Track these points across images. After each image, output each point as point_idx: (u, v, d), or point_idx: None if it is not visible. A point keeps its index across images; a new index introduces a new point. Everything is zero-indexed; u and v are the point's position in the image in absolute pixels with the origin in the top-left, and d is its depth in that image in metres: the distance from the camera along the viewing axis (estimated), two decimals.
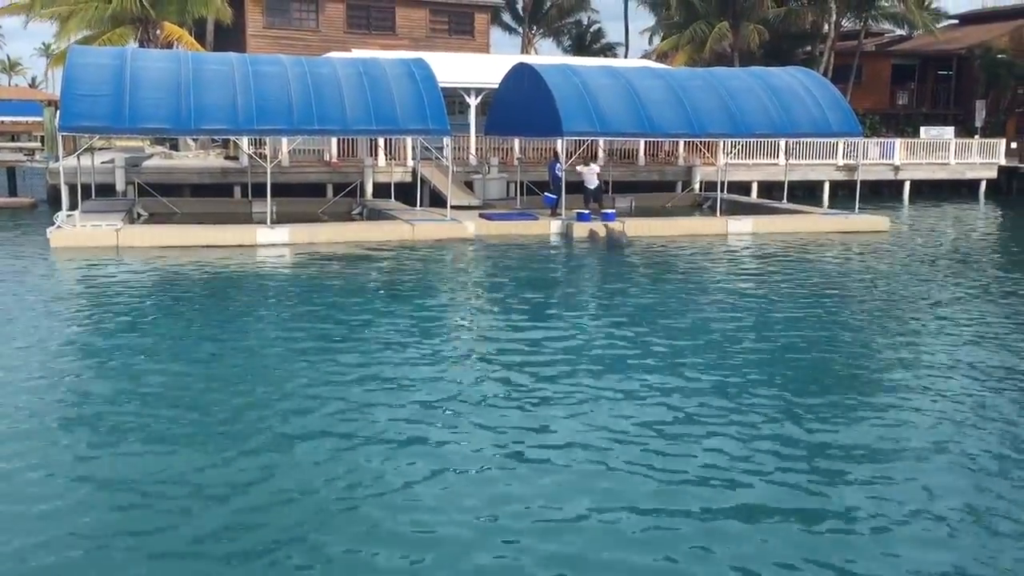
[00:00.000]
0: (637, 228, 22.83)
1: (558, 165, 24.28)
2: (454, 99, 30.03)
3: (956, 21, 50.34)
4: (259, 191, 23.17)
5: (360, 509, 6.95)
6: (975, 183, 36.03)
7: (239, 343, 11.85)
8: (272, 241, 20.05)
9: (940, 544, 6.56)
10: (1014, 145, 37.37)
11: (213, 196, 26.90)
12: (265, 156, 24.41)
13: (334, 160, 29.33)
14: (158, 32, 34.55)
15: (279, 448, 8.12)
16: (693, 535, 6.59)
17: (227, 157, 31.98)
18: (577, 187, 24.64)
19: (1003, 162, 36.19)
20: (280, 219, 21.90)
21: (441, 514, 6.84)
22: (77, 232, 19.42)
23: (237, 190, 27.62)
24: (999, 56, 43.34)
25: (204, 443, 8.21)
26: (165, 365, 10.75)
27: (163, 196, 25.48)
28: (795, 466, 7.89)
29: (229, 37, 37.14)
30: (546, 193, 24.73)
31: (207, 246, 19.42)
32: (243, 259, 18.33)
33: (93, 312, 13.69)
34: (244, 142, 26.40)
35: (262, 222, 21.28)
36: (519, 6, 50.47)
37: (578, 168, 24.50)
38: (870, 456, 8.13)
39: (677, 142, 32.52)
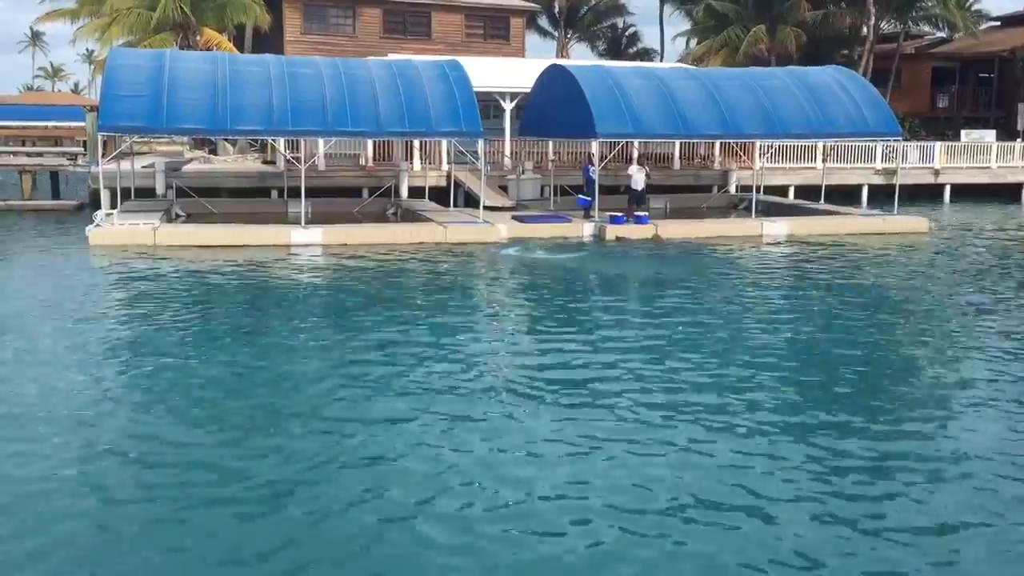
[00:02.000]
0: (672, 230, 22.67)
1: (592, 168, 24.21)
2: (489, 103, 30.10)
3: (998, 23, 49.52)
4: (295, 193, 23.37)
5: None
6: (1017, 187, 35.37)
7: (267, 342, 11.94)
8: (306, 241, 20.21)
9: None
10: None
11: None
12: (301, 159, 24.63)
13: (370, 164, 29.51)
14: (198, 38, 35.11)
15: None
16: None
17: (265, 161, 32.31)
18: (610, 189, 24.53)
19: None
20: (315, 219, 22.08)
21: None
22: (115, 230, 19.73)
23: (274, 194, 27.89)
24: None
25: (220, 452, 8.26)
26: (185, 364, 10.86)
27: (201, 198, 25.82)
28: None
29: (268, 43, 37.58)
30: (580, 195, 24.64)
31: (242, 245, 19.62)
32: (276, 259, 18.48)
33: (123, 308, 13.88)
34: (281, 144, 26.65)
35: (297, 222, 21.45)
36: (555, 10, 50.52)
37: (629, 170, 24.35)
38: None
39: (713, 146, 32.32)
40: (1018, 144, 35.97)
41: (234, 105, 20.27)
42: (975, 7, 44.97)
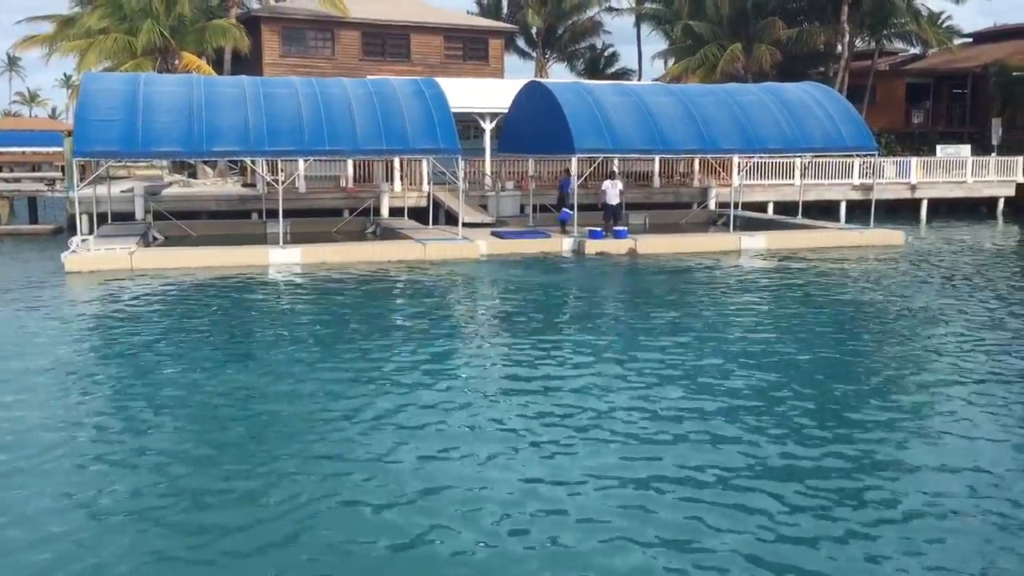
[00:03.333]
0: (650, 245, 22.76)
1: (570, 183, 24.30)
2: (469, 124, 30.22)
3: (970, 39, 50.17)
4: (275, 215, 23.31)
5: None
6: (993, 201, 35.70)
7: (246, 365, 11.86)
8: (284, 261, 20.15)
9: None
10: None
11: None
12: (279, 180, 24.59)
13: (350, 186, 29.49)
14: (177, 62, 35.06)
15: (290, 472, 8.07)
16: None
17: (244, 184, 32.24)
18: (589, 206, 24.58)
19: (1021, 179, 35.84)
20: (295, 239, 22.03)
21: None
22: (91, 256, 19.58)
23: (254, 216, 27.79)
24: (1014, 73, 43.10)
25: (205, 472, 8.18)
26: (158, 390, 10.77)
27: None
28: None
29: (247, 66, 37.58)
30: (564, 208, 24.59)
31: (219, 267, 19.53)
32: (253, 279, 18.39)
33: (99, 334, 13.77)
34: (262, 167, 26.62)
35: (276, 243, 21.39)
36: (533, 31, 50.83)
37: (602, 186, 24.43)
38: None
39: (692, 163, 32.52)
40: (992, 159, 36.33)
41: (210, 127, 20.24)
42: (947, 24, 45.56)
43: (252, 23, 36.81)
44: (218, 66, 37.19)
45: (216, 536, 6.43)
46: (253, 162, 24.94)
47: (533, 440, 8.47)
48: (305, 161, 24.87)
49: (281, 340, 12.88)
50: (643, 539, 6.42)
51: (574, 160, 23.79)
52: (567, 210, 24.21)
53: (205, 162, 33.60)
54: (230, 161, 33.50)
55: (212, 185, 32.52)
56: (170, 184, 31.82)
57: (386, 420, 9.04)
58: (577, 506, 6.97)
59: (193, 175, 35.73)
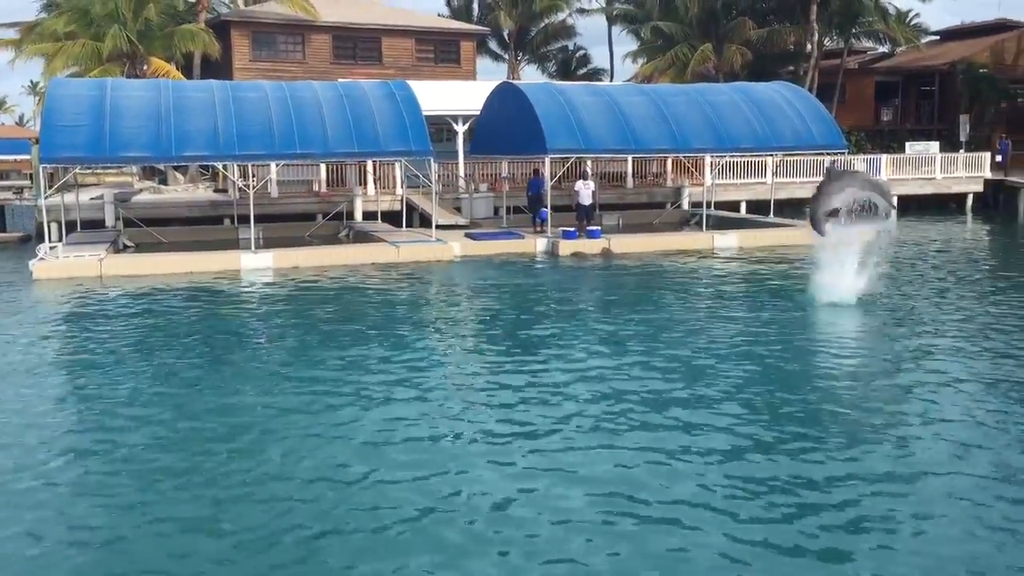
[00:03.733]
0: (624, 244, 22.81)
1: (541, 183, 24.32)
2: (442, 126, 30.16)
3: (937, 37, 50.75)
4: (247, 220, 23.14)
5: None
6: (962, 197, 36.09)
7: (217, 372, 11.75)
8: (256, 266, 20.00)
9: None
10: (999, 159, 37.49)
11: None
12: (250, 185, 24.42)
13: (323, 190, 29.34)
14: (145, 67, 34.75)
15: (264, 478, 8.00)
16: None
17: (216, 190, 31.99)
18: (563, 207, 24.61)
19: (989, 175, 36.28)
20: (267, 244, 21.89)
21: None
22: (60, 263, 19.34)
23: (226, 222, 27.56)
24: (980, 71, 43.68)
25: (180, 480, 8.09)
26: (129, 396, 10.65)
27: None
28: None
29: (217, 71, 37.33)
30: (542, 209, 24.55)
31: (191, 272, 19.36)
32: (225, 284, 18.24)
33: (69, 342, 13.60)
34: (233, 171, 26.39)
35: (248, 248, 21.23)
36: (505, 33, 50.84)
37: (575, 187, 24.45)
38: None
39: (665, 163, 32.63)
40: (961, 155, 36.73)
41: (179, 131, 20.06)
42: (915, 22, 46.05)
43: (221, 27, 36.55)
44: (187, 71, 36.91)
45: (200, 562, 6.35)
46: (224, 167, 24.70)
47: (510, 446, 8.45)
48: (277, 165, 24.75)
49: (252, 345, 12.77)
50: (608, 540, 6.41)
51: (547, 160, 23.80)
52: (544, 210, 24.22)
53: (176, 168, 33.30)
54: (201, 167, 33.25)
55: (183, 191, 32.23)
56: (140, 191, 31.51)
57: (361, 426, 8.99)
58: (560, 511, 6.96)
59: (164, 181, 35.38)
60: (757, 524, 6.59)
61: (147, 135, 19.87)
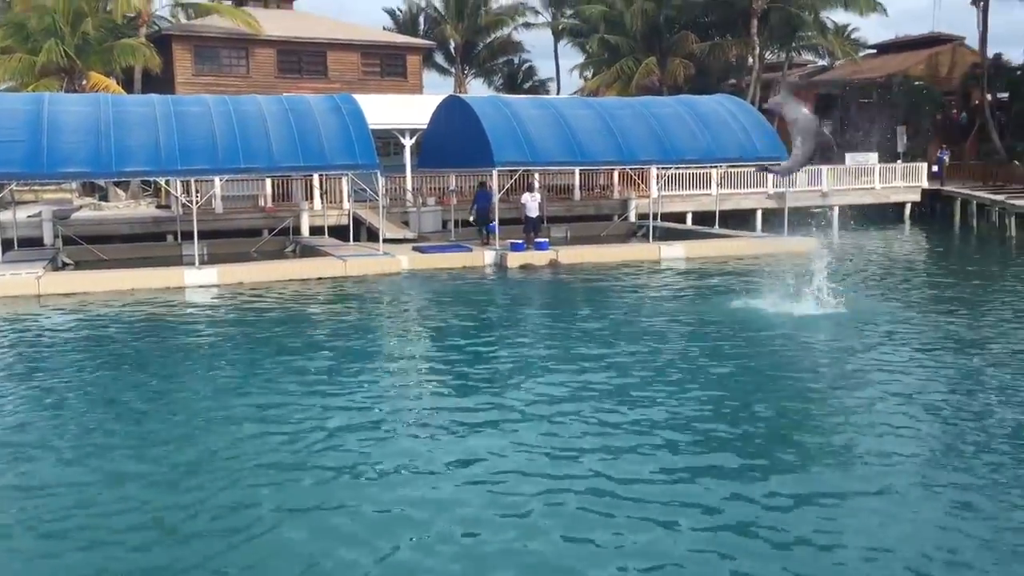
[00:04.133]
0: (572, 256, 22.91)
1: (488, 196, 24.36)
2: (389, 140, 30.05)
3: (874, 51, 51.95)
4: (191, 236, 22.79)
5: None
6: (901, 206, 36.90)
7: (161, 389, 11.53)
8: (200, 282, 19.67)
9: None
10: (935, 169, 38.43)
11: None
12: (194, 200, 24.06)
13: (269, 205, 29.01)
14: (84, 82, 34.11)
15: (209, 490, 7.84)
16: None
17: (159, 206, 31.46)
18: (511, 220, 24.65)
19: (926, 185, 37.16)
20: (212, 260, 21.60)
21: None
22: None
23: (169, 238, 27.11)
24: (916, 83, 44.78)
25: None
26: (64, 415, 10.40)
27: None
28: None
29: (158, 86, 36.73)
30: (491, 222, 24.62)
31: (133, 289, 18.97)
32: (168, 301, 17.91)
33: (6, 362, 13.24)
34: (176, 187, 25.98)
35: (192, 264, 20.88)
36: (451, 47, 50.94)
37: (522, 199, 24.52)
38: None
39: (611, 175, 32.87)
40: (899, 165, 37.59)
41: (119, 146, 19.70)
42: (853, 36, 47.11)
43: (163, 42, 36.05)
44: (128, 86, 36.30)
45: None
46: (167, 182, 24.33)
47: (457, 458, 8.40)
48: (221, 180, 24.42)
49: (197, 363, 12.54)
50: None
51: (494, 173, 23.83)
52: (492, 223, 24.25)
53: (117, 184, 32.68)
54: (143, 182, 32.68)
55: (124, 208, 31.63)
56: (80, 207, 30.87)
57: (309, 445, 8.86)
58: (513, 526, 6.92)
59: (104, 198, 34.69)
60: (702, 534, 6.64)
61: (86, 150, 19.48)
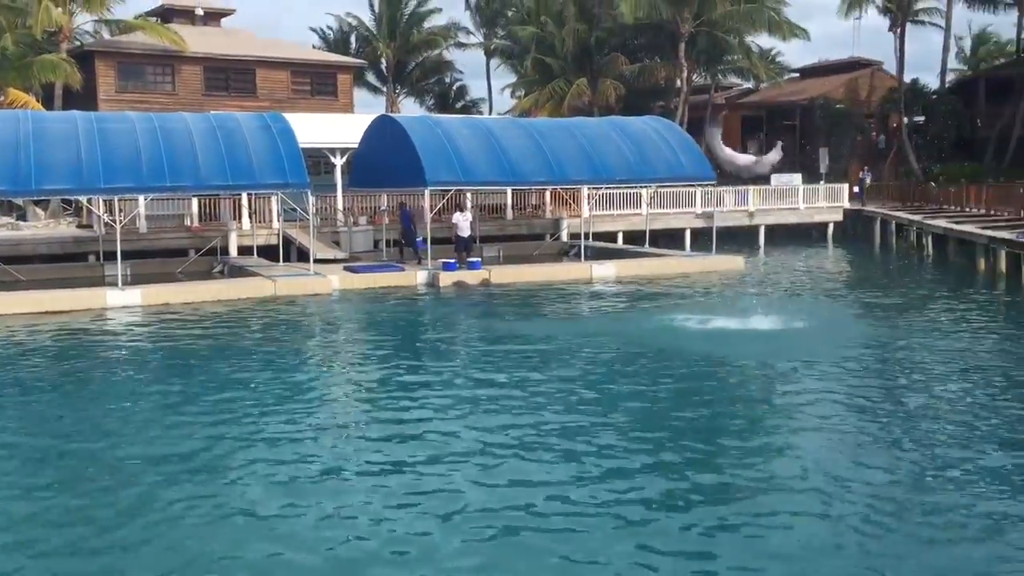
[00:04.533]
0: (504, 275, 22.92)
1: (410, 214, 24.65)
2: (319, 159, 29.76)
3: (797, 75, 53.41)
4: (114, 257, 22.21)
5: None
6: (824, 226, 37.85)
7: (76, 420, 11.18)
8: (123, 304, 19.14)
9: None
10: (856, 189, 39.56)
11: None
12: (117, 220, 23.46)
13: (195, 225, 28.40)
14: (2, 99, 33.11)
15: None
16: None
17: (80, 226, 30.58)
18: (443, 239, 24.61)
19: (847, 205, 38.21)
20: (136, 281, 21.02)
21: None
22: None
23: (91, 259, 26.35)
24: (837, 106, 46.15)
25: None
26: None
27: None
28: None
29: (80, 102, 35.80)
30: (418, 240, 24.62)
31: (51, 312, 18.35)
32: (89, 324, 17.38)
33: None
34: (99, 206, 25.28)
35: (114, 285, 20.32)
36: (383, 66, 50.81)
37: (454, 219, 24.52)
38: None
39: (543, 195, 33.05)
40: (822, 186, 38.58)
41: (39, 163, 19.12)
42: (777, 60, 48.36)
43: (85, 58, 35.22)
44: (48, 103, 35.33)
45: None
46: (88, 201, 23.68)
47: (387, 478, 8.30)
48: (145, 199, 23.86)
49: (117, 387, 12.17)
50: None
51: (427, 193, 23.77)
52: (420, 241, 24.20)
53: (36, 202, 31.71)
54: (64, 201, 31.76)
55: (44, 227, 30.68)
56: None
57: (232, 469, 8.67)
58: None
59: (23, 217, 33.64)
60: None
61: (4, 168, 18.89)
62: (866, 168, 41.55)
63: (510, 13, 54.40)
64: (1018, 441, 9.27)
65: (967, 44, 58.86)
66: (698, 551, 6.66)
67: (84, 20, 37.67)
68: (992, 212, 30.39)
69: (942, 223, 29.35)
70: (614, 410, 10.47)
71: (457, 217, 24.32)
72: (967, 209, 32.54)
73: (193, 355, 14.25)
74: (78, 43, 37.30)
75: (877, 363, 12.97)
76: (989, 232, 25.05)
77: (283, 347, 15.11)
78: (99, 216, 25.16)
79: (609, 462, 8.57)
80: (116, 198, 22.74)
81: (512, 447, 9.07)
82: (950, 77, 47.84)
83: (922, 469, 8.34)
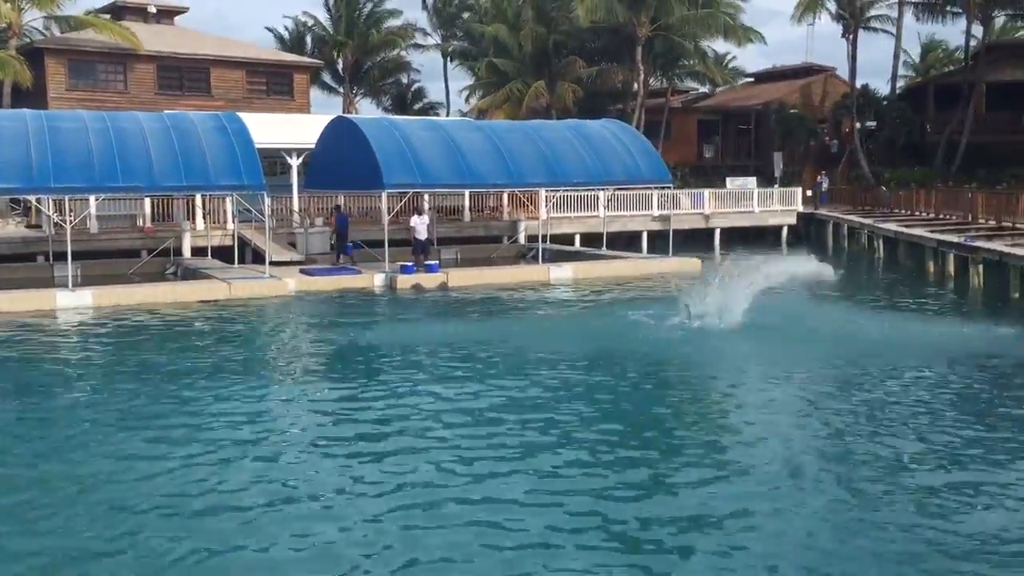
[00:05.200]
0: (462, 278, 22.90)
1: (343, 218, 25.16)
2: (275, 159, 29.47)
3: (752, 79, 54.09)
4: (63, 257, 21.78)
5: None
6: (778, 229, 38.35)
7: (23, 425, 10.95)
8: (74, 305, 18.81)
9: None
10: (809, 193, 40.14)
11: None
12: (67, 220, 23.02)
13: (148, 225, 27.94)
14: None
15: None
16: None
17: (29, 226, 29.94)
18: (401, 242, 24.53)
19: (801, 209, 38.76)
20: (87, 283, 20.67)
21: None
22: None
23: (40, 259, 25.81)
24: (791, 111, 46.79)
25: None
26: None
27: None
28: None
29: (29, 100, 35.05)
30: (349, 244, 24.75)
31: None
32: (38, 326, 17.03)
33: None
34: (48, 205, 24.77)
35: (64, 286, 19.95)
36: (339, 66, 50.46)
37: (411, 222, 24.48)
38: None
39: (501, 197, 33.07)
40: (776, 190, 39.08)
41: None
42: (732, 65, 48.94)
43: (35, 55, 34.48)
44: None
45: None
46: (38, 201, 23.21)
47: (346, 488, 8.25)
48: (96, 199, 23.45)
49: (66, 393, 11.94)
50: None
51: (384, 195, 23.68)
52: (350, 244, 24.68)
53: None
54: (12, 201, 31.09)
55: None
56: None
57: (183, 478, 8.56)
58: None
59: None
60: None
61: None
62: (823, 173, 42.16)
63: (466, 15, 54.37)
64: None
65: (916, 52, 60.11)
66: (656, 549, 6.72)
67: (34, 16, 36.90)
68: (941, 216, 31.03)
69: (893, 226, 29.90)
70: (578, 406, 10.51)
71: (415, 220, 24.28)
72: (917, 213, 33.19)
73: (144, 358, 14.02)
74: (27, 40, 36.53)
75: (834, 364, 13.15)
76: (938, 235, 25.57)
77: (236, 351, 14.91)
78: (48, 216, 24.67)
79: (556, 457, 8.61)
80: (67, 198, 22.28)
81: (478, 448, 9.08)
82: (900, 83, 48.74)
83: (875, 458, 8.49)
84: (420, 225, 24.19)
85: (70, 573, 6.43)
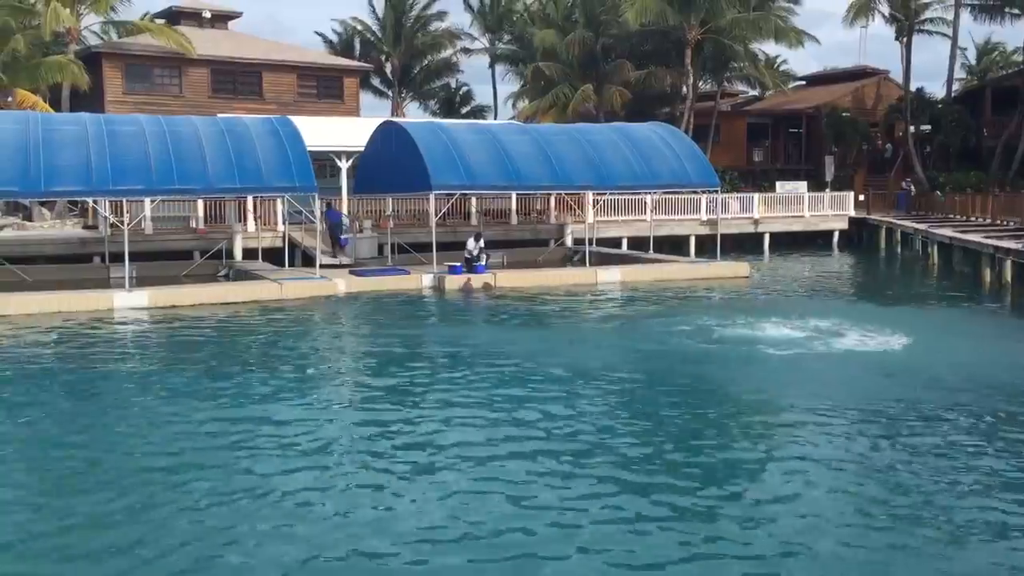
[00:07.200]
0: (509, 280, 22.96)
1: (341, 214, 25.78)
2: (325, 162, 29.80)
3: (803, 83, 53.45)
4: (119, 258, 22.24)
5: None
6: (829, 234, 37.86)
7: (89, 422, 11.22)
8: (131, 305, 19.18)
9: None
10: (861, 197, 39.56)
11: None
12: (124, 221, 23.51)
13: (201, 227, 28.42)
14: (10, 99, 33.23)
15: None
16: None
17: (86, 226, 30.63)
18: (448, 245, 24.64)
19: (852, 213, 38.22)
20: (141, 284, 21.09)
21: None
22: None
23: (97, 260, 26.37)
24: (843, 114, 46.15)
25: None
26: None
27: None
28: None
29: (87, 104, 35.92)
30: (342, 238, 25.51)
31: (59, 312, 18.40)
32: (97, 326, 17.42)
33: None
34: (105, 206, 25.31)
35: (121, 287, 20.38)
36: (388, 70, 50.89)
37: (468, 245, 24.49)
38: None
39: (548, 201, 33.08)
40: (827, 194, 38.59)
41: (48, 166, 19.19)
42: (783, 67, 48.36)
43: (92, 59, 35.31)
44: (55, 104, 35.45)
45: None
46: (95, 202, 23.74)
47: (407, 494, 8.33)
48: (152, 201, 23.94)
49: (127, 392, 12.21)
50: None
51: (432, 197, 23.84)
52: (345, 237, 25.36)
53: (42, 203, 31.80)
54: (70, 202, 31.84)
55: (50, 228, 30.76)
56: (2, 227, 29.94)
57: (244, 476, 8.71)
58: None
59: (28, 217, 33.73)
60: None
61: (13, 169, 18.95)
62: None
63: (515, 18, 54.45)
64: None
65: (972, 54, 58.92)
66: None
67: (92, 21, 37.84)
68: (998, 221, 30.38)
69: (947, 232, 29.35)
70: (632, 412, 10.50)
71: (470, 243, 24.05)
72: (972, 218, 32.54)
73: (204, 356, 14.27)
74: (85, 44, 37.41)
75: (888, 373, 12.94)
76: (995, 241, 25.04)
77: (291, 351, 15.11)
78: (105, 217, 25.20)
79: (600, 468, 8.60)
80: (124, 200, 22.77)
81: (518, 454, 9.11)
82: (956, 86, 47.80)
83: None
84: (472, 246, 23.87)
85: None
